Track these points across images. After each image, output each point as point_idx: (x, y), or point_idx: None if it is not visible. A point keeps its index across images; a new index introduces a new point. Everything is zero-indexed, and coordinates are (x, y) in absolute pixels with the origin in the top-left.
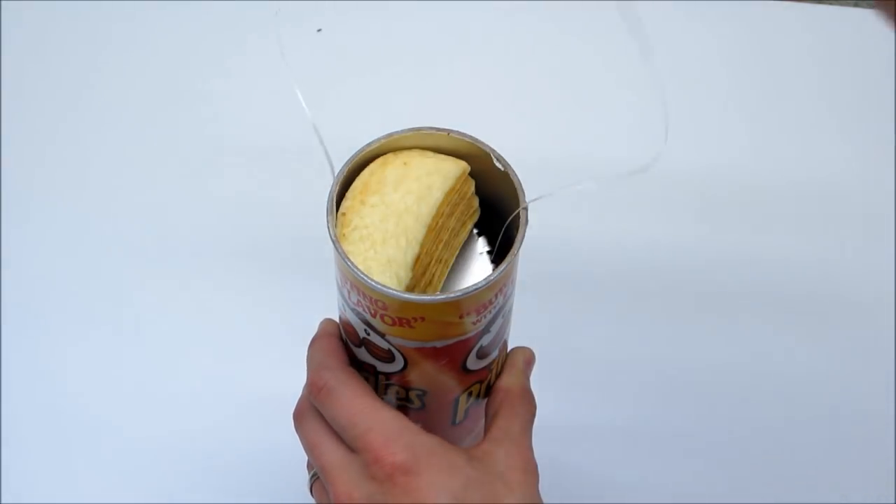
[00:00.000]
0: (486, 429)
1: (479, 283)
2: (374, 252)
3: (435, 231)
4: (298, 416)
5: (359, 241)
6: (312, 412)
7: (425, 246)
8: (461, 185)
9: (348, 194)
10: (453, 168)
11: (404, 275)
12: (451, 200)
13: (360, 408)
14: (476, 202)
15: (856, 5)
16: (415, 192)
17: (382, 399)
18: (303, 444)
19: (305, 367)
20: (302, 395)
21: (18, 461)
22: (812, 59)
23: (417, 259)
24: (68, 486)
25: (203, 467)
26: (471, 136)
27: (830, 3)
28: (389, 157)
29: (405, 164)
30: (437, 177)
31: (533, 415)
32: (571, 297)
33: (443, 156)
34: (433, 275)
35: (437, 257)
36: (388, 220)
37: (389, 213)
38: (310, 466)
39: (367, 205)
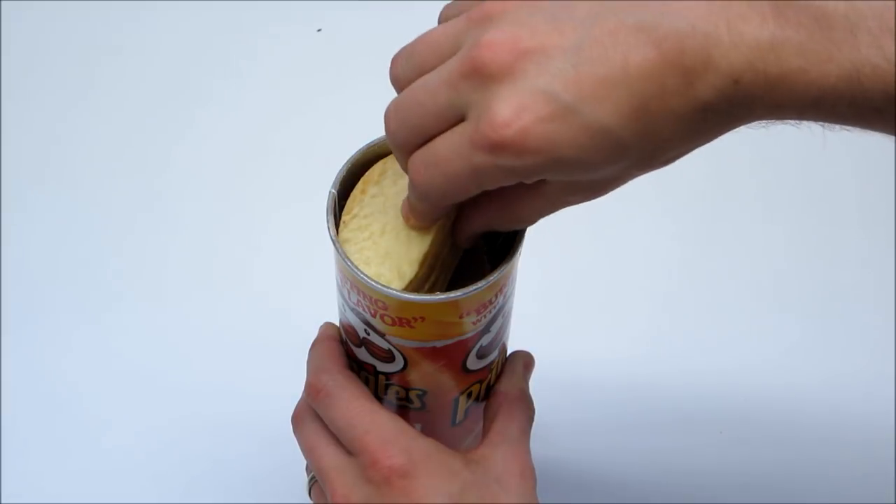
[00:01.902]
0: (484, 432)
1: (479, 283)
2: (372, 242)
3: (443, 232)
4: (297, 419)
5: (357, 230)
6: (311, 415)
7: (435, 245)
8: None
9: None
10: None
11: (407, 268)
12: None
13: (358, 411)
14: None
15: None
16: None
17: (382, 399)
18: (301, 446)
19: (305, 370)
20: (301, 399)
21: (18, 461)
22: None
23: (425, 257)
24: (68, 485)
25: (203, 468)
26: None
27: None
28: (391, 157)
29: None
30: None
31: (531, 419)
32: (571, 298)
33: None
34: (437, 278)
35: (442, 261)
36: (388, 211)
37: (389, 205)
38: (308, 469)
39: (367, 194)
